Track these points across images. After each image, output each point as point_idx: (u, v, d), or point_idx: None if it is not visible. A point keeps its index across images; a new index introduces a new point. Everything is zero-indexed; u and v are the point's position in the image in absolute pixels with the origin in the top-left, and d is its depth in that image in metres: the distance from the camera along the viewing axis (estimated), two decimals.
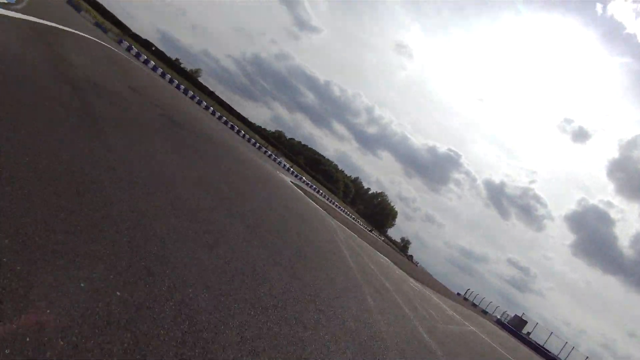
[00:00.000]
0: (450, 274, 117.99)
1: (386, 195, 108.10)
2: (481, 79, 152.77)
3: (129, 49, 33.29)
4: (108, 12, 50.64)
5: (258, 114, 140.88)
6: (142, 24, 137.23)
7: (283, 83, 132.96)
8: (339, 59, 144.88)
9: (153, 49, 56.28)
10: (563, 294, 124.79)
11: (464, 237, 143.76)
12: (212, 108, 40.16)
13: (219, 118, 40.07)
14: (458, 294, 49.12)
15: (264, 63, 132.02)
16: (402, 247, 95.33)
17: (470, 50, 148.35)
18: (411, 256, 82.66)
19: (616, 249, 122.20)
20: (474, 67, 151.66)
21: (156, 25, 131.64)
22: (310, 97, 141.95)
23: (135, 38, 53.19)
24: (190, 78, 57.53)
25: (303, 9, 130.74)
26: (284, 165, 52.83)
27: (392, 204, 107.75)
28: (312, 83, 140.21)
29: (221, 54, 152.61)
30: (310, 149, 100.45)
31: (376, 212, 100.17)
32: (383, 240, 66.05)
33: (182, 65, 67.29)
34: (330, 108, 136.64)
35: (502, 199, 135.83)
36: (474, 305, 42.52)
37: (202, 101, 38.66)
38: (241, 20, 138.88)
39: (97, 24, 34.67)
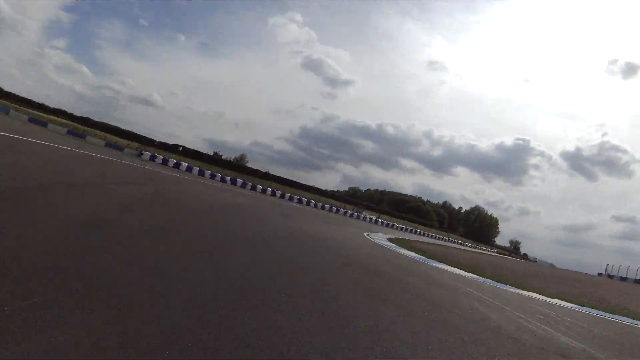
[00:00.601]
0: (564, 255, 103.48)
1: (482, 208, 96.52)
2: (518, 61, 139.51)
3: (152, 158, 25.73)
4: (123, 130, 46.07)
5: (328, 180, 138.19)
6: (186, 139, 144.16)
7: (338, 143, 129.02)
8: (381, 100, 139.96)
9: (180, 149, 50.58)
10: None
11: (562, 215, 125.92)
12: (270, 189, 31.41)
13: (282, 196, 31.28)
14: (599, 274, 42.28)
15: (313, 132, 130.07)
16: (513, 249, 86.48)
17: (496, 38, 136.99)
18: (525, 254, 77.61)
19: None
20: (507, 53, 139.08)
21: (200, 136, 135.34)
22: (369, 146, 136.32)
23: (162, 146, 48.04)
24: (235, 167, 51.74)
25: (329, 68, 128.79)
26: (370, 219, 42.68)
27: (489, 214, 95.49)
28: (365, 132, 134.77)
29: (270, 138, 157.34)
30: (390, 193, 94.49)
31: (476, 227, 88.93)
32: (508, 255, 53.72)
33: (223, 157, 62.53)
34: (392, 148, 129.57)
35: (584, 164, 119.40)
36: (623, 279, 36.13)
37: (256, 186, 30.11)
38: (276, 100, 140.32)
39: (110, 144, 27.91)
